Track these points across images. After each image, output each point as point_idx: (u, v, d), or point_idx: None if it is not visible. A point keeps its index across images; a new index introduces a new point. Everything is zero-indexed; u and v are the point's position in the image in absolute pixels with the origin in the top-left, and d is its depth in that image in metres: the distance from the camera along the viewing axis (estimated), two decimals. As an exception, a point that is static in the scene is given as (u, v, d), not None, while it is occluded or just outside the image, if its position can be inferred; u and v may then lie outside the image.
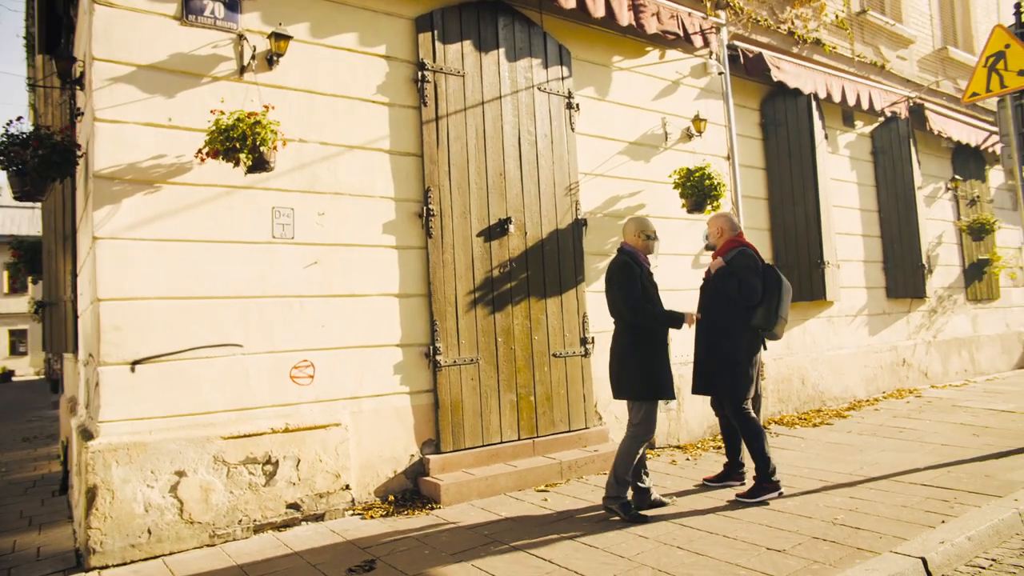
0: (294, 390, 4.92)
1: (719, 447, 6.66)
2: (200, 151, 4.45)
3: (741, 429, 4.94)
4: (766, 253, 8.07)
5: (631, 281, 4.63)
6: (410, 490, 5.33)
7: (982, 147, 10.87)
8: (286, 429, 4.80)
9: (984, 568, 3.89)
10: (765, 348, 5.09)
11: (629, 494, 4.72)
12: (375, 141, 5.37)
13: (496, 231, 5.86)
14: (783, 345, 8.05)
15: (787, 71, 7.88)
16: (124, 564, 4.23)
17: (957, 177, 10.94)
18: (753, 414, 4.94)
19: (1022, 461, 5.65)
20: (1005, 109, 6.64)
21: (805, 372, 8.15)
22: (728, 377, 4.94)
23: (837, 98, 8.42)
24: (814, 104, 8.38)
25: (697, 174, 6.66)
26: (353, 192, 5.25)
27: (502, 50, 6.05)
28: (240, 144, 4.35)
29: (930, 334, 10.10)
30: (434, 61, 5.65)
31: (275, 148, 4.58)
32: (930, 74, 10.77)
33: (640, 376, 4.63)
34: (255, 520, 4.65)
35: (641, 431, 4.65)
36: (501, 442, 5.74)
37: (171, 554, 4.37)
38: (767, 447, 4.86)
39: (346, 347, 5.14)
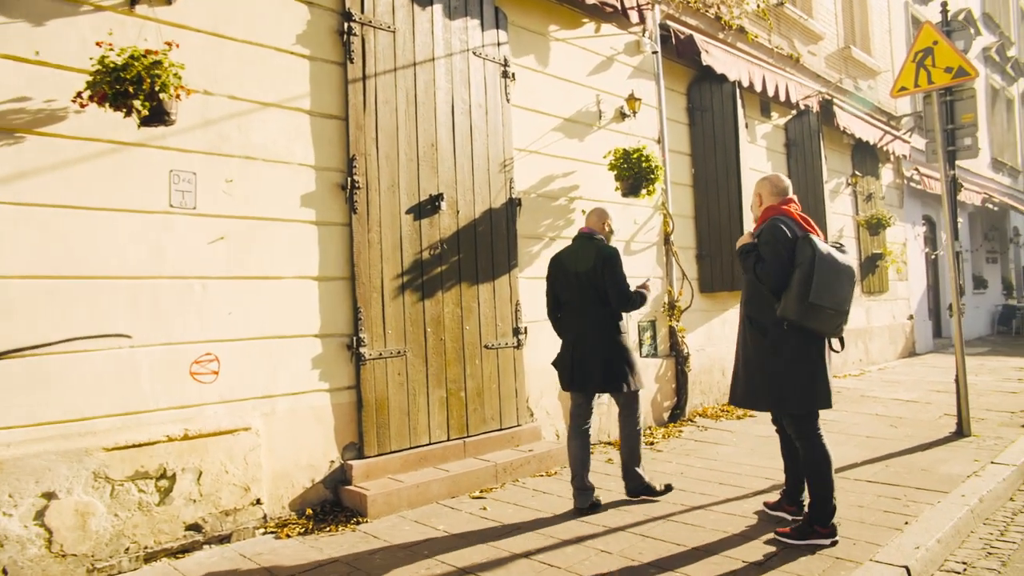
0: (195, 389, 4.14)
1: (651, 442, 6.36)
2: (80, 95, 3.58)
3: (802, 451, 3.99)
4: (689, 240, 7.86)
5: (621, 268, 4.51)
6: (331, 501, 4.65)
7: (878, 145, 11.23)
8: (185, 436, 4.01)
9: (959, 573, 3.73)
10: (832, 348, 4.03)
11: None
12: (294, 99, 4.62)
13: (427, 208, 5.24)
14: (703, 336, 7.89)
15: (715, 56, 7.67)
16: (-27, 611, 3.36)
17: (857, 173, 11.26)
18: (821, 435, 3.97)
19: (946, 453, 5.69)
20: (931, 105, 6.68)
21: (726, 363, 8.02)
22: (771, 385, 3.92)
23: (759, 87, 8.32)
24: (738, 92, 8.24)
25: (635, 155, 6.29)
26: (267, 157, 4.48)
27: (437, 6, 5.41)
28: (134, 88, 3.52)
29: (831, 325, 10.30)
30: (362, 12, 4.94)
31: (177, 97, 3.77)
32: (835, 71, 10.98)
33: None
34: (146, 547, 3.86)
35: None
36: (430, 443, 5.15)
37: (36, 595, 3.53)
38: (832, 481, 3.90)
39: (257, 338, 4.40)
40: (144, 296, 3.97)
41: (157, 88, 3.57)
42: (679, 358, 7.20)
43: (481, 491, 5.02)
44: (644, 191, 6.43)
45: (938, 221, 14.74)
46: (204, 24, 4.25)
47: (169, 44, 3.79)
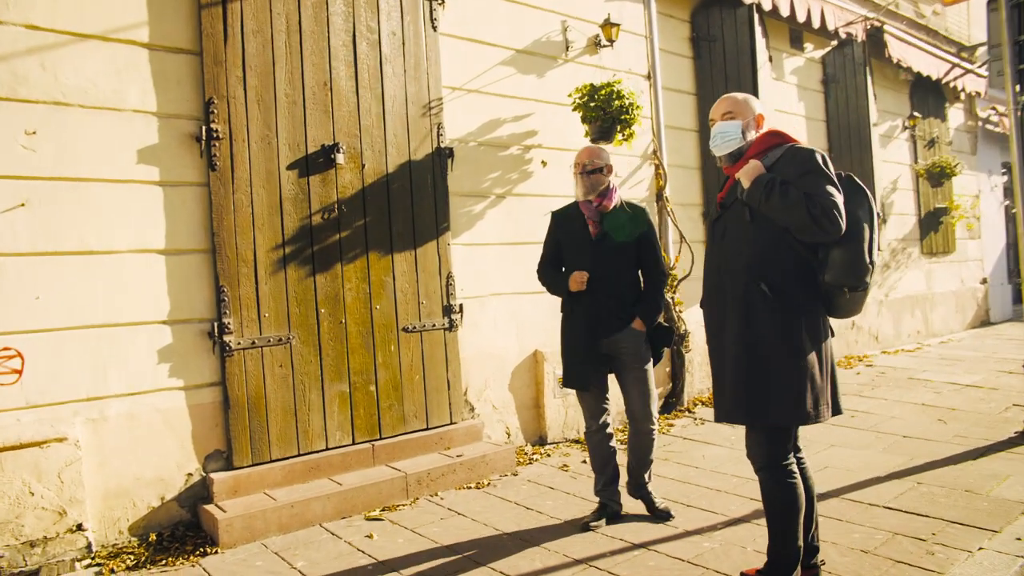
0: (-13, 392, 3.35)
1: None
2: None
3: (766, 494, 2.87)
4: (693, 196, 6.64)
5: None
6: (187, 522, 3.83)
7: (943, 81, 9.57)
8: (-33, 451, 3.24)
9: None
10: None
11: None
12: (125, 29, 3.70)
13: (318, 162, 4.28)
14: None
15: (723, -28, 6.37)
16: None
17: (916, 115, 9.62)
18: (795, 471, 2.87)
19: (1005, 465, 4.40)
20: (997, 12, 5.22)
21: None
22: (764, 388, 2.77)
23: (785, 12, 6.93)
24: (756, 18, 6.90)
25: (603, 91, 5.13)
26: (88, 103, 3.60)
27: (328, -89, 4.38)
28: None
29: (882, 292, 8.89)
30: (218, -84, 3.97)
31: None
32: (889, -8, 9.36)
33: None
34: (-85, 589, 3.12)
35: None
36: (327, 449, 4.26)
37: None
38: (799, 532, 2.84)
39: (78, 327, 3.56)
40: (-92, 279, 3.18)
41: None
42: (675, 336, 6.06)
43: (383, 508, 4.10)
44: (619, 135, 5.28)
45: None
46: (-13, -66, 3.37)
47: None
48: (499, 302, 5.08)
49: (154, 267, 3.77)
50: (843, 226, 2.66)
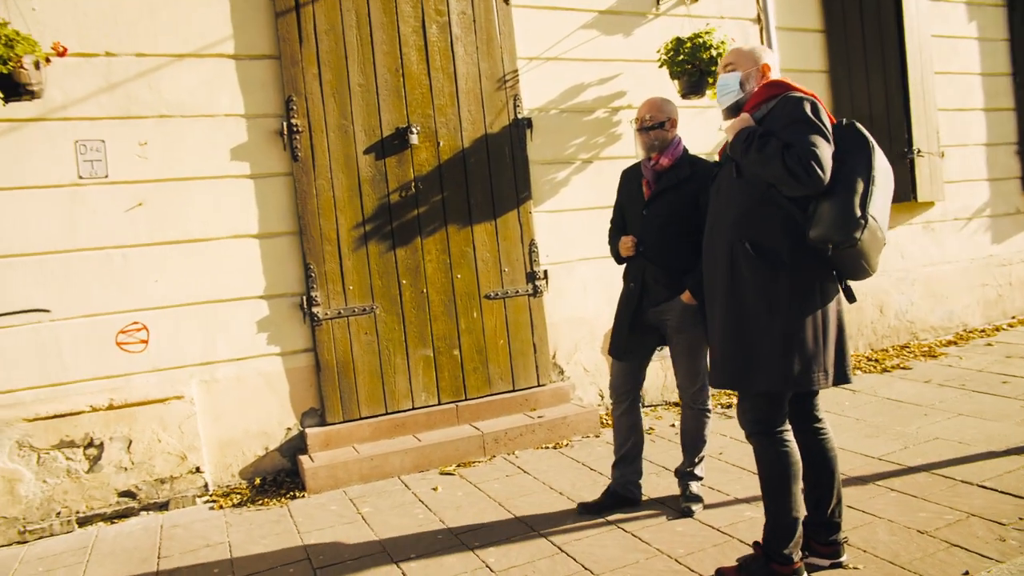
0: (123, 359, 4.12)
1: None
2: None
3: (759, 460, 2.77)
4: (826, 144, 6.09)
5: None
6: (287, 470, 4.43)
7: None
8: (110, 406, 4.03)
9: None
10: (849, 297, 2.66)
11: None
12: (214, 45, 4.27)
13: (393, 144, 4.61)
14: (851, 264, 6.15)
15: None
16: (-89, 567, 3.72)
17: None
18: (790, 439, 2.74)
19: None
20: None
21: (885, 297, 6.22)
22: (746, 353, 2.65)
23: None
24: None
25: (688, 44, 4.92)
26: (186, 112, 4.22)
27: (391, -95, 4.64)
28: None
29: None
30: (288, -70, 4.39)
31: (32, 67, 3.63)
32: None
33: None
34: (78, 512, 3.98)
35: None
36: (413, 408, 4.66)
37: (-29, 553, 3.82)
38: (797, 502, 2.71)
39: (190, 304, 4.24)
40: (60, 270, 4.00)
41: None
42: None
43: (460, 464, 4.42)
44: (711, 90, 5.04)
45: None
46: (99, -19, 4.06)
47: None
48: (588, 267, 5.13)
49: (250, 249, 4.36)
50: (822, 177, 2.46)
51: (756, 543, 2.82)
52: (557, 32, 5.06)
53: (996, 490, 3.37)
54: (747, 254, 2.63)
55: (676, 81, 5.10)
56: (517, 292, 4.92)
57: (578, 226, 5.10)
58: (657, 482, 3.87)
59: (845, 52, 6.09)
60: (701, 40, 4.90)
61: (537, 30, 5.00)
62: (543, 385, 4.97)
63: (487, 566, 3.13)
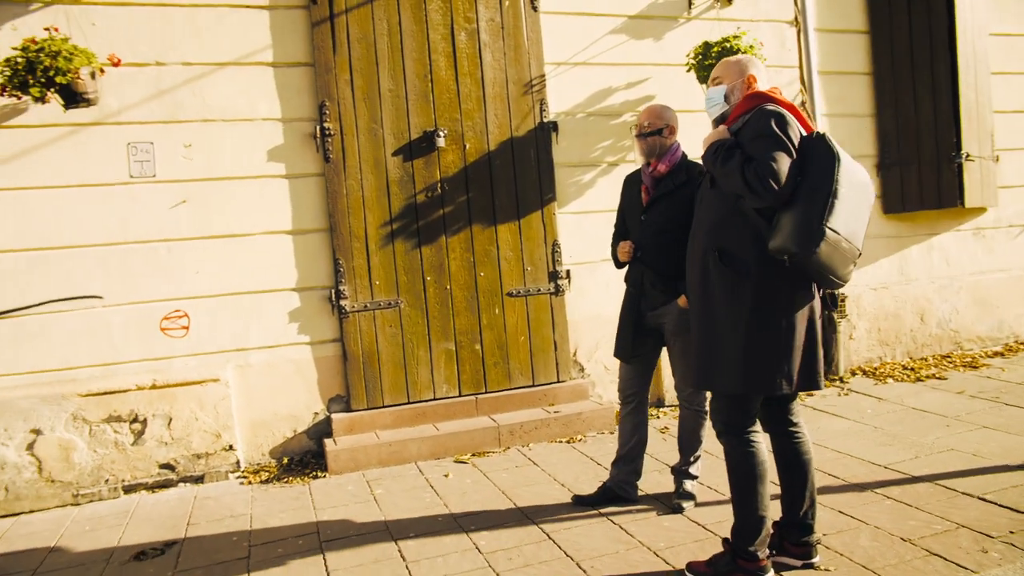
0: (166, 343, 4.49)
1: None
2: (3, 89, 4.02)
3: (727, 459, 2.84)
4: (867, 147, 5.99)
5: None
6: (313, 452, 4.73)
7: None
8: (153, 386, 4.40)
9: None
10: (829, 306, 2.88)
11: None
12: (254, 54, 4.59)
13: (420, 147, 4.84)
14: (890, 269, 6.03)
15: None
16: (-19, 520, 4.18)
17: None
18: (757, 440, 2.80)
19: None
20: None
21: (927, 304, 6.05)
22: (712, 355, 2.77)
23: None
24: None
25: (716, 48, 4.96)
26: (227, 117, 4.55)
27: (423, -82, 4.86)
28: (32, 78, 3.85)
29: None
30: (325, -55, 4.67)
31: (88, 77, 4.02)
32: None
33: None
34: (124, 480, 4.37)
35: None
36: (434, 399, 4.88)
37: (31, 512, 4.24)
38: (763, 501, 2.79)
39: (227, 294, 4.58)
40: (112, 261, 4.40)
41: (52, 75, 3.84)
42: (826, 300, 5.60)
43: (474, 454, 4.61)
44: (739, 92, 5.05)
45: None
46: (152, -4, 4.43)
47: (50, 29, 4.01)
48: (611, 267, 5.14)
49: (284, 245, 4.67)
50: (777, 191, 2.53)
51: (725, 539, 2.90)
52: (585, 37, 5.18)
53: (996, 503, 3.33)
54: (717, 262, 2.72)
55: (704, 85, 5.13)
56: (539, 290, 5.07)
57: (602, 227, 5.19)
58: (659, 479, 3.96)
59: (890, 53, 5.97)
60: (729, 44, 4.93)
61: (565, 35, 5.13)
62: (563, 381, 5.11)
63: (477, 547, 3.31)
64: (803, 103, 5.63)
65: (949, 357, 6.00)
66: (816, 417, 4.83)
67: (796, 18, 5.64)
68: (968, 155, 5.85)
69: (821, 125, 5.69)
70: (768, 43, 5.42)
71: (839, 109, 5.83)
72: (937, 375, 5.54)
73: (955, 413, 4.67)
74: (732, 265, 2.69)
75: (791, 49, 5.61)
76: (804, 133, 2.66)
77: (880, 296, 5.92)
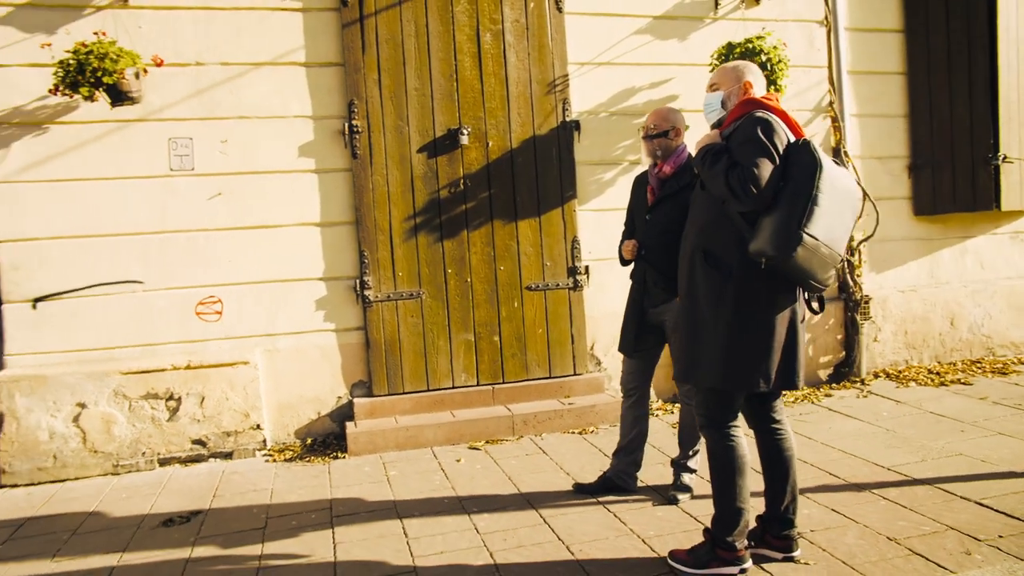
0: (200, 327, 4.78)
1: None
2: (56, 88, 4.34)
3: (708, 444, 2.94)
4: (898, 148, 5.91)
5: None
6: (335, 434, 4.96)
7: None
8: (188, 366, 4.69)
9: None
10: (812, 309, 2.89)
11: None
12: (288, 54, 4.83)
13: (444, 144, 5.01)
14: (919, 272, 5.95)
15: None
16: (31, 485, 4.53)
17: None
18: (737, 435, 2.89)
19: None
20: None
21: (957, 308, 5.96)
22: (694, 351, 2.87)
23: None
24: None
25: (739, 49, 4.99)
26: (261, 114, 4.80)
27: (452, -77, 5.01)
28: (82, 78, 4.15)
29: None
30: (356, -50, 4.87)
31: (133, 77, 4.32)
32: None
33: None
34: (159, 453, 4.68)
35: None
36: (452, 387, 5.06)
37: (76, 479, 4.58)
38: (742, 494, 2.87)
39: (258, 282, 4.84)
40: (153, 248, 4.70)
41: (100, 75, 4.14)
42: (849, 302, 5.60)
43: (488, 441, 4.78)
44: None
45: None
46: (195, 1, 4.70)
47: (98, 33, 4.31)
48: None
49: (312, 236, 4.90)
50: (757, 196, 2.62)
51: (705, 529, 2.99)
52: (610, 38, 5.27)
53: (992, 508, 3.33)
54: (702, 262, 2.82)
55: (726, 85, 5.16)
56: (558, 285, 5.20)
57: (622, 225, 5.28)
58: (662, 471, 4.05)
59: (926, 53, 5.88)
60: (752, 45, 4.96)
61: (589, 36, 5.23)
62: (579, 374, 5.23)
63: (475, 528, 3.48)
64: (831, 103, 5.61)
65: (979, 363, 5.89)
66: (830, 418, 4.85)
67: (826, 17, 5.61)
68: (1006, 157, 5.73)
69: (851, 126, 5.67)
70: (796, 43, 5.42)
71: (870, 109, 5.78)
72: (963, 380, 5.46)
73: (972, 418, 4.63)
74: (716, 267, 2.78)
75: (820, 49, 5.59)
76: (793, 139, 2.73)
77: (908, 299, 5.86)
